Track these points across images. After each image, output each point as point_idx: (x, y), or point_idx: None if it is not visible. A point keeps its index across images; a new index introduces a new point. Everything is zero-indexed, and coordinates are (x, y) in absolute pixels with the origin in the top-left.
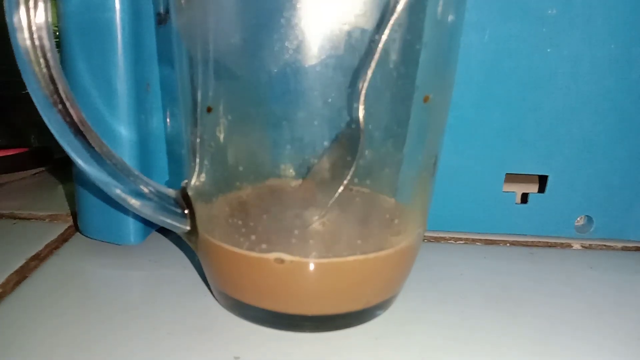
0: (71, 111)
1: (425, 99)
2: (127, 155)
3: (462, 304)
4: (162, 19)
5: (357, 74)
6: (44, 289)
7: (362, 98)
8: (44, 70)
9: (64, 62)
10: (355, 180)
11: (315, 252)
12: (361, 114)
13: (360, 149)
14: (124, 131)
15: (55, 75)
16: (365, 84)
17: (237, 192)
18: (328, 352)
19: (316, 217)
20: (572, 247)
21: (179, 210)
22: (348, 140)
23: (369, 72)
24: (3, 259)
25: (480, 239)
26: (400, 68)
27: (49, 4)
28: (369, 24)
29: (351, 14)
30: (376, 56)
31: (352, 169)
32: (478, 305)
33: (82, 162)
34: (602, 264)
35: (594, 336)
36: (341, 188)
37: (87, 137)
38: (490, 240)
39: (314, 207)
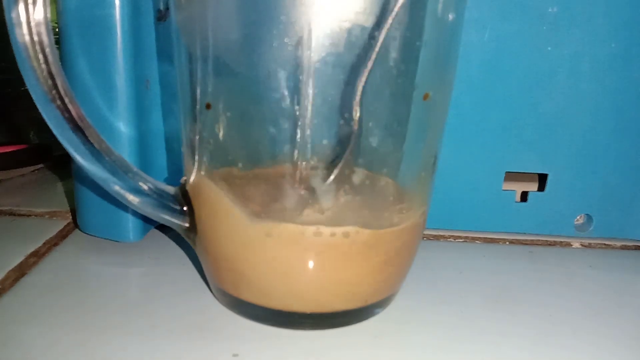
0: (70, 107)
1: (425, 97)
2: (126, 151)
3: (461, 303)
4: (161, 16)
5: (356, 71)
6: (42, 286)
7: (357, 97)
8: (43, 66)
9: (63, 59)
10: (354, 180)
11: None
12: (356, 113)
13: (352, 147)
14: (123, 128)
15: (54, 71)
16: (362, 84)
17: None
18: (327, 350)
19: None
20: (571, 245)
21: (177, 207)
22: (346, 139)
23: (366, 72)
24: (2, 255)
25: (479, 238)
26: (400, 66)
27: (47, 0)
28: (369, 22)
29: (351, 11)
30: (373, 55)
31: (340, 165)
32: (477, 304)
33: (80, 158)
34: (601, 262)
35: (593, 335)
36: (332, 177)
37: (86, 133)
38: (490, 238)
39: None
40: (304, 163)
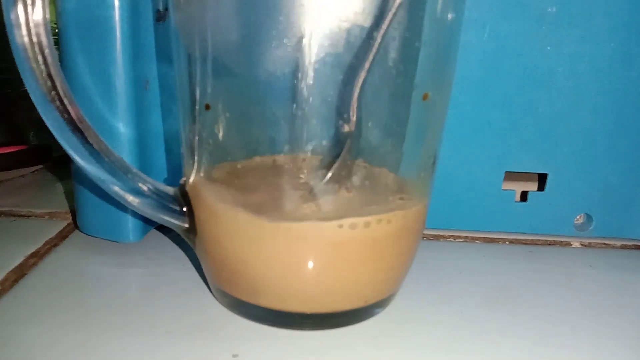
0: (69, 108)
1: (424, 97)
2: (125, 152)
3: (461, 303)
4: (160, 16)
5: (355, 71)
6: (42, 287)
7: (355, 97)
8: (42, 67)
9: (62, 59)
10: (353, 179)
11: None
12: (353, 113)
13: (351, 146)
14: (123, 128)
15: (53, 72)
16: (359, 84)
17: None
18: (326, 350)
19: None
20: (571, 245)
21: (177, 208)
22: (345, 139)
23: (363, 73)
24: (2, 256)
25: (479, 237)
26: (399, 66)
27: (46, 1)
28: (368, 22)
29: (350, 11)
30: (371, 56)
31: (337, 164)
32: (477, 303)
33: (80, 159)
34: (601, 262)
35: (593, 335)
36: (330, 175)
37: (85, 134)
38: (490, 238)
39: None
40: (303, 162)
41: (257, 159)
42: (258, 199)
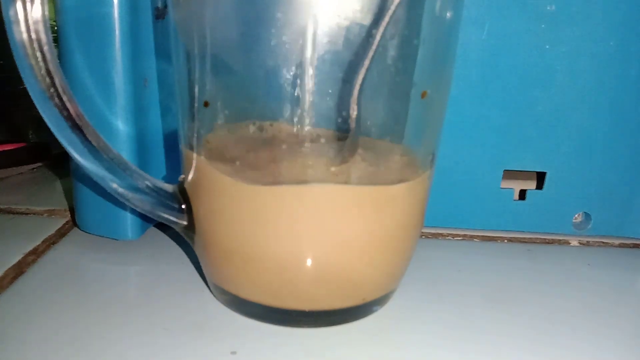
0: (68, 105)
1: (423, 95)
2: (124, 150)
3: (460, 301)
4: (159, 14)
5: (354, 69)
6: (41, 284)
7: (355, 95)
8: (41, 64)
9: (61, 57)
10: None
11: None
12: (353, 111)
13: (350, 143)
14: (122, 126)
15: (51, 69)
16: (359, 82)
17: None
18: (325, 348)
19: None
20: (569, 243)
21: (176, 205)
22: (344, 136)
23: (363, 70)
24: (1, 253)
25: (478, 236)
26: (398, 64)
27: None
28: (367, 19)
29: (349, 9)
30: (370, 54)
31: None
32: (475, 301)
33: (78, 156)
34: (599, 260)
35: (590, 333)
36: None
37: (84, 131)
38: (488, 236)
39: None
40: (303, 158)
41: (257, 157)
42: (261, 174)
